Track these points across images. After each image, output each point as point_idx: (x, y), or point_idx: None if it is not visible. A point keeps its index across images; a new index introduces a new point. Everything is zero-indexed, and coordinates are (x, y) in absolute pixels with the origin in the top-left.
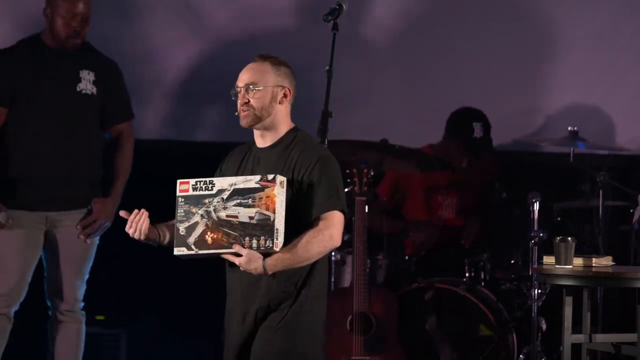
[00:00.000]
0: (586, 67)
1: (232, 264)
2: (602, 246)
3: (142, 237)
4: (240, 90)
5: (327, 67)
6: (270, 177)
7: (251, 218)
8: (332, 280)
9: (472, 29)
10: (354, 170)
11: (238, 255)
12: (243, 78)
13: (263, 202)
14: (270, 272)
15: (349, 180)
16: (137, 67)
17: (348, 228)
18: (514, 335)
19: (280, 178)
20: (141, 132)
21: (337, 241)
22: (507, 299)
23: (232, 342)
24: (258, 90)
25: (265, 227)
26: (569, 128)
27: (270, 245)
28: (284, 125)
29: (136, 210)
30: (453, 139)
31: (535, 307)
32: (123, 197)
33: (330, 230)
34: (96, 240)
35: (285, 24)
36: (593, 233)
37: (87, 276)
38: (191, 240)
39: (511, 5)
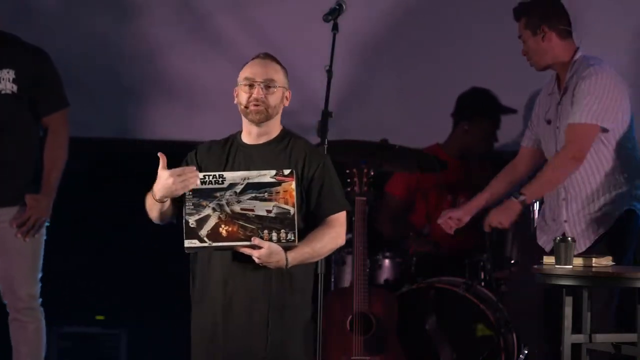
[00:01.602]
0: None
1: (228, 258)
2: None
3: (176, 195)
4: (259, 84)
5: (327, 67)
6: (286, 172)
7: (269, 212)
8: (332, 280)
9: (471, 29)
10: (354, 170)
11: (254, 248)
12: (262, 72)
13: (281, 196)
14: (289, 266)
15: (348, 180)
16: (137, 67)
17: (349, 228)
18: (514, 335)
19: (295, 174)
20: (141, 132)
21: (343, 240)
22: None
23: (224, 337)
24: (276, 88)
25: (285, 220)
26: None
27: (292, 238)
28: (279, 125)
29: (194, 167)
30: (479, 120)
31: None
32: (125, 197)
33: (340, 230)
34: (42, 235)
35: (284, 23)
36: None
37: (39, 273)
38: (203, 232)
39: (510, 5)
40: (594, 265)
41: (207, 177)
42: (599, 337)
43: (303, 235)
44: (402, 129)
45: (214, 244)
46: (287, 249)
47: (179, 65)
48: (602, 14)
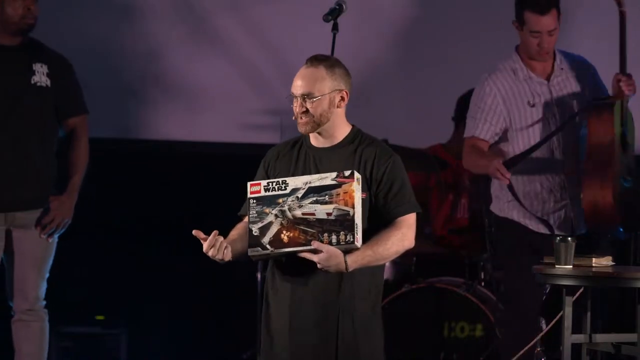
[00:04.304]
0: None
1: (296, 266)
2: (602, 246)
3: (226, 259)
4: (297, 98)
5: None
6: (347, 173)
7: (329, 214)
8: None
9: (472, 29)
10: None
11: (315, 252)
12: (298, 85)
13: (340, 197)
14: (350, 270)
15: None
16: (137, 67)
17: None
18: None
19: (357, 175)
20: (141, 132)
21: (412, 242)
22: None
23: (301, 346)
24: (315, 99)
25: (344, 222)
26: None
27: (351, 239)
28: (344, 125)
29: (220, 238)
30: None
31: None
32: (125, 197)
33: (406, 231)
34: (55, 238)
35: (284, 23)
36: None
37: (47, 275)
38: (266, 240)
39: (510, 5)
40: (594, 265)
41: (270, 184)
42: (599, 337)
43: (369, 237)
44: (403, 128)
45: (276, 251)
46: (347, 252)
47: (179, 65)
48: (602, 14)
